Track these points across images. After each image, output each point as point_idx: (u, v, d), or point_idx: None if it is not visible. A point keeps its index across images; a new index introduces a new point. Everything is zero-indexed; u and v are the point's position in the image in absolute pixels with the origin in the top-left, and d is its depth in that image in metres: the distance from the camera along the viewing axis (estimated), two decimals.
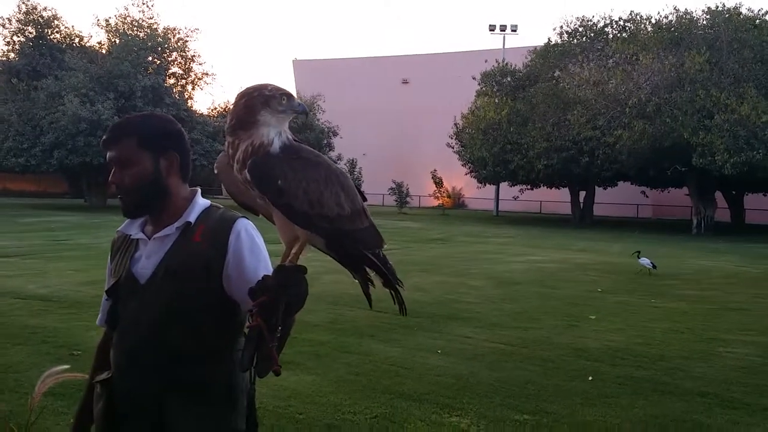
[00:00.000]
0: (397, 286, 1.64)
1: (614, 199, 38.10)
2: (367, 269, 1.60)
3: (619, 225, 31.14)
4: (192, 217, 1.76)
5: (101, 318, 1.91)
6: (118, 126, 1.78)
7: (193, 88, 36.74)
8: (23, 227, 19.44)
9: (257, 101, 1.44)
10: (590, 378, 5.37)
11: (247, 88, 1.48)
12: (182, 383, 1.68)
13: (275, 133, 1.45)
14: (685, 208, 32.80)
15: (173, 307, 1.68)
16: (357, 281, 1.62)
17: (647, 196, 36.38)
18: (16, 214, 24.82)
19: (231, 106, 1.51)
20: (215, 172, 1.60)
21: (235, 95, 1.48)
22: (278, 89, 1.47)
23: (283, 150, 1.45)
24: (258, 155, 1.42)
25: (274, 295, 1.36)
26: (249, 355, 1.37)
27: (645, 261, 12.29)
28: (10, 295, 8.31)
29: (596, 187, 33.60)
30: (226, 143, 1.47)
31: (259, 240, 1.75)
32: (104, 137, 1.77)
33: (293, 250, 1.45)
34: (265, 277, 1.40)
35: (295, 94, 1.53)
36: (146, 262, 1.74)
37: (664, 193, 35.96)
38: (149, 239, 1.76)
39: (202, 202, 1.81)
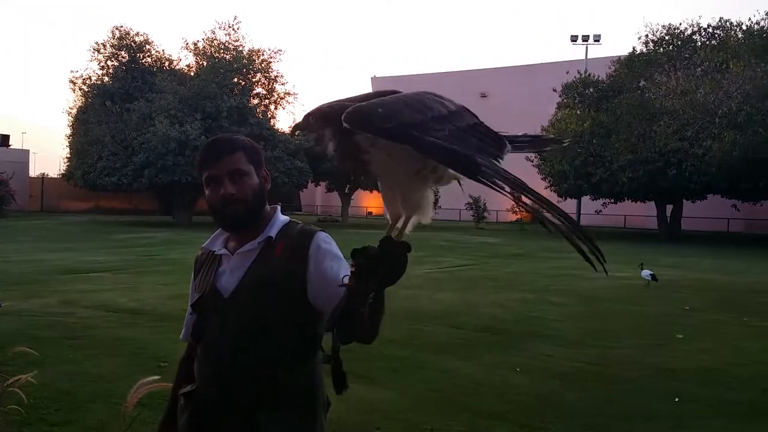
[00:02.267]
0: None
1: (703, 212, 36.55)
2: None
3: (709, 240, 29.87)
4: (273, 232, 1.82)
5: (185, 333, 1.97)
6: (228, 141, 1.85)
7: (275, 108, 37.61)
8: (116, 243, 20.33)
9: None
10: (677, 399, 5.17)
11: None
12: (266, 395, 1.73)
13: None
14: None
15: (257, 319, 1.73)
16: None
17: (739, 210, 34.70)
18: (110, 231, 26.01)
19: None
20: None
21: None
22: None
23: None
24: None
25: (374, 261, 1.39)
26: (336, 315, 1.43)
27: (645, 273, 11.96)
28: (103, 308, 8.71)
29: (684, 201, 32.34)
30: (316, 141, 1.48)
31: (338, 250, 1.81)
32: (213, 152, 1.81)
33: (398, 225, 1.45)
34: (369, 246, 1.43)
35: None
36: (230, 276, 1.80)
37: (757, 207, 34.23)
38: (232, 255, 1.83)
39: (282, 218, 1.87)
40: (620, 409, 4.94)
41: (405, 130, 1.25)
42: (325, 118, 1.41)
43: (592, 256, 1.25)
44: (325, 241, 1.80)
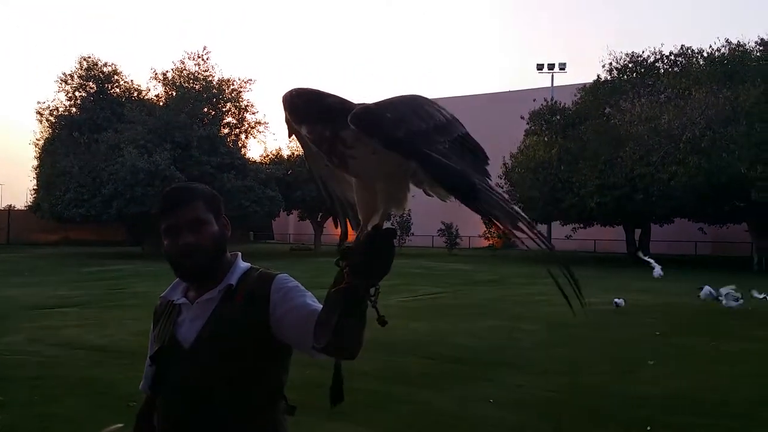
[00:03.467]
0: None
1: (671, 236, 37.13)
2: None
3: (678, 263, 30.29)
4: (234, 279, 1.79)
5: (144, 384, 1.93)
6: (186, 190, 1.82)
7: (246, 137, 37.59)
8: (84, 276, 20.00)
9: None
10: (648, 428, 5.19)
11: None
12: None
13: None
14: (746, 245, 31.72)
15: (218, 370, 1.70)
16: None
17: (705, 233, 35.31)
18: (78, 264, 25.59)
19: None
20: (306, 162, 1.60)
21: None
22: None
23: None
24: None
25: (366, 253, 1.37)
26: (330, 327, 1.40)
27: (618, 301, 12.39)
28: (70, 345, 8.54)
29: (652, 225, 32.84)
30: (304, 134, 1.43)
31: (300, 285, 1.78)
32: (171, 201, 1.78)
33: (373, 222, 1.44)
34: (352, 244, 1.42)
35: None
36: (190, 326, 1.77)
37: (723, 229, 34.87)
38: (192, 304, 1.80)
39: (243, 265, 1.85)
40: None
41: (414, 143, 1.22)
42: (299, 110, 1.42)
43: (572, 291, 1.28)
44: (286, 280, 1.78)
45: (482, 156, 1.42)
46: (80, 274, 20.69)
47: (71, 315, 11.44)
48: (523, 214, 1.26)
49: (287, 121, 1.50)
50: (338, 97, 1.41)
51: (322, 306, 1.49)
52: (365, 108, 1.27)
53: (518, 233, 1.21)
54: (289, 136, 1.57)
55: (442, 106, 1.41)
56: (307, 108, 1.40)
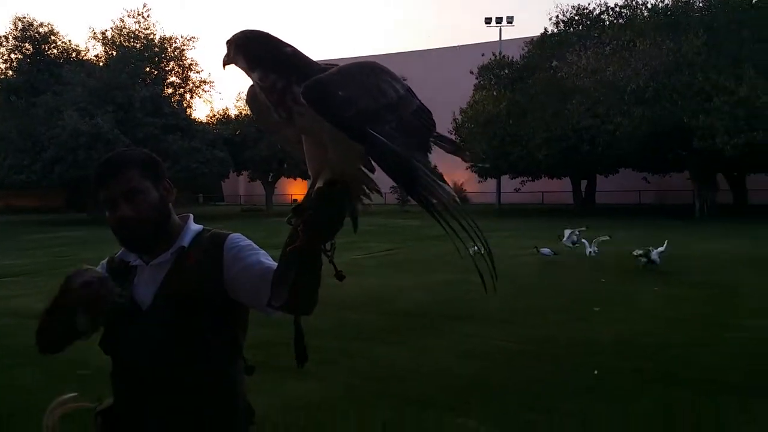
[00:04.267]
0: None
1: (616, 186, 38.03)
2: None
3: (622, 212, 31.09)
4: (186, 241, 1.78)
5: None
6: (118, 159, 1.76)
7: (191, 97, 36.82)
8: (29, 244, 19.51)
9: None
10: (596, 372, 5.39)
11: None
12: (187, 406, 1.70)
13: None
14: (688, 193, 32.73)
15: (176, 330, 1.70)
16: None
17: (649, 182, 36.29)
18: (22, 231, 24.92)
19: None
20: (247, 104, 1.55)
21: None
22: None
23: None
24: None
25: (316, 212, 1.35)
26: (285, 282, 1.39)
27: (545, 251, 12.70)
28: (16, 315, 8.36)
29: (598, 176, 33.54)
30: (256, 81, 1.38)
31: (253, 243, 1.78)
32: (104, 173, 1.72)
33: (324, 177, 1.41)
34: (304, 199, 1.40)
35: None
36: (145, 288, 1.76)
37: (666, 178, 35.87)
38: (146, 266, 1.79)
39: (194, 227, 1.84)
40: (545, 386, 5.11)
41: (361, 124, 1.22)
42: (252, 53, 1.36)
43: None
44: (238, 239, 1.78)
45: (430, 127, 1.42)
46: (25, 242, 20.17)
47: (18, 284, 11.18)
48: (456, 199, 1.29)
49: (231, 61, 1.40)
50: (293, 48, 1.38)
51: (276, 264, 1.49)
52: (318, 81, 1.25)
53: (452, 223, 1.25)
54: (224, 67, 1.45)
55: (395, 75, 1.40)
56: (262, 53, 1.35)
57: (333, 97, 1.23)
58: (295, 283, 1.41)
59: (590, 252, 12.74)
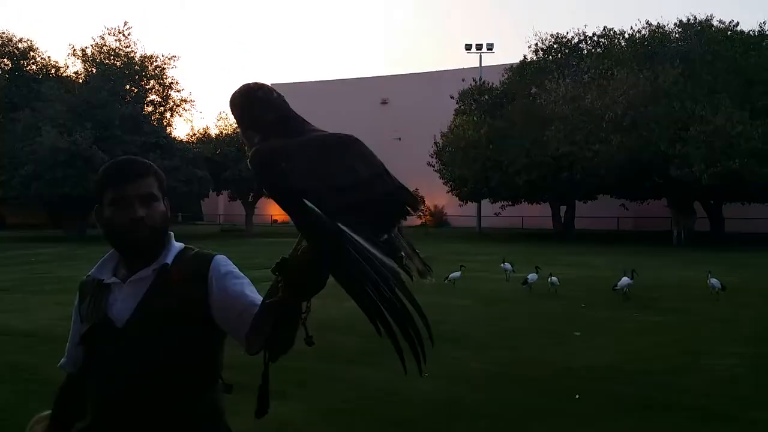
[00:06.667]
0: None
1: (595, 212, 38.34)
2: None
3: (601, 238, 31.34)
4: (169, 258, 1.75)
5: (67, 362, 1.89)
6: (142, 163, 1.76)
7: (171, 116, 36.68)
8: (5, 260, 19.20)
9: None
10: (577, 396, 5.39)
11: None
12: (164, 427, 1.67)
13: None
14: (666, 220, 33.10)
15: (155, 349, 1.66)
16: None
17: (627, 209, 36.64)
18: None
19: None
20: None
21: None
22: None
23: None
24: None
25: (299, 276, 1.36)
26: (266, 333, 1.41)
27: (506, 266, 13.25)
28: None
29: (577, 202, 33.83)
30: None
31: (238, 270, 1.77)
32: (127, 173, 1.72)
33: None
34: (293, 255, 1.39)
35: None
36: (122, 305, 1.72)
37: (644, 206, 36.27)
38: (124, 283, 1.75)
39: (177, 245, 1.82)
40: (524, 409, 5.11)
41: (295, 196, 1.24)
42: (236, 111, 1.43)
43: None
44: (224, 263, 1.76)
45: (402, 210, 1.38)
46: (1, 259, 19.84)
47: None
48: (400, 277, 1.35)
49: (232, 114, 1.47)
50: (287, 110, 1.44)
51: (258, 298, 1.53)
52: (261, 149, 1.30)
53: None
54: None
55: (372, 155, 1.41)
56: (246, 112, 1.41)
57: (272, 166, 1.27)
58: (271, 336, 1.43)
59: (551, 282, 12.38)
